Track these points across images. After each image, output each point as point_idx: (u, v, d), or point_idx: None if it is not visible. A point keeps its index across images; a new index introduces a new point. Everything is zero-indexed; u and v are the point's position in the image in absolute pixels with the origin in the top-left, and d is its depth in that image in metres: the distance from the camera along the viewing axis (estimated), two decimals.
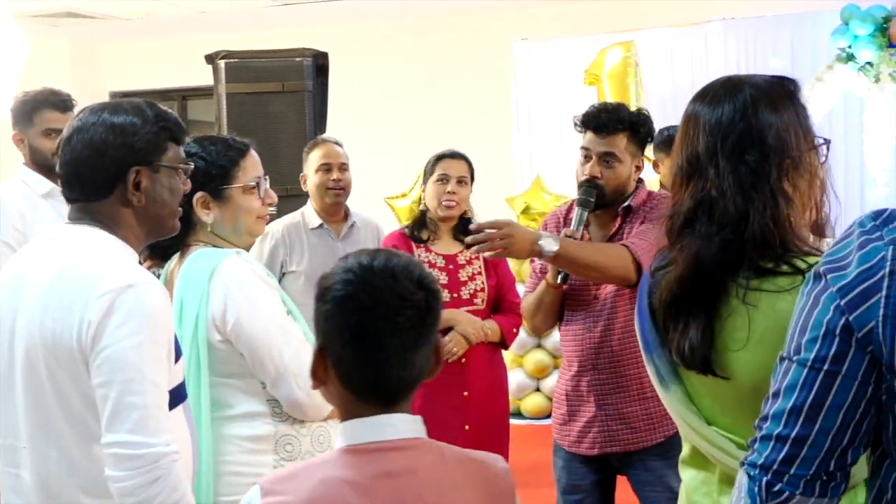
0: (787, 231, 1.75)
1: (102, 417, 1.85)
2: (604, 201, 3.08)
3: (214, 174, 2.48)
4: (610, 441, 3.09)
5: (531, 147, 7.81)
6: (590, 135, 3.11)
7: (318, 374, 1.57)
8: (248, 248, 2.63)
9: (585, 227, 3.09)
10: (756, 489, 1.30)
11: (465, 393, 3.81)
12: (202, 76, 4.53)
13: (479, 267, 3.87)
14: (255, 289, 2.41)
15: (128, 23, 8.56)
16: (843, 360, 1.25)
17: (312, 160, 4.21)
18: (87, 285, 1.88)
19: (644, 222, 3.04)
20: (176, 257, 2.55)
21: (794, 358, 1.30)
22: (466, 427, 3.81)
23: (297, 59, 4.37)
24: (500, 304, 3.92)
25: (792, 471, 1.28)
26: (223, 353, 2.39)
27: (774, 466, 1.29)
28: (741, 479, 1.35)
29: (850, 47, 6.80)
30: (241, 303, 2.36)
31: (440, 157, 3.90)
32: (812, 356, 1.27)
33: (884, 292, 1.22)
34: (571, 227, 3.03)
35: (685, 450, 1.94)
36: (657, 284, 1.88)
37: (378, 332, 1.51)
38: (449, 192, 3.80)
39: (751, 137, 1.78)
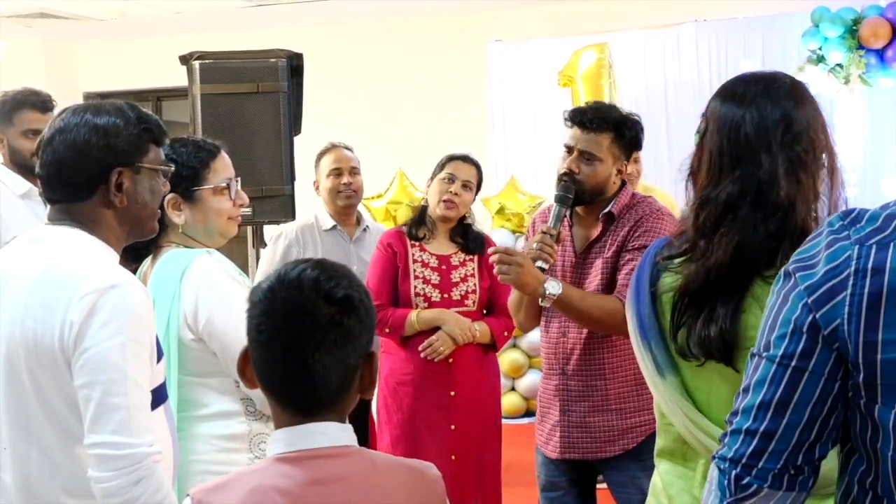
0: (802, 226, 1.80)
1: (85, 418, 1.84)
2: (581, 198, 3.06)
3: (185, 176, 2.47)
4: (570, 448, 3.10)
5: (506, 148, 7.82)
6: (575, 130, 3.10)
7: (246, 374, 1.60)
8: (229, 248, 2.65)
9: (569, 228, 3.11)
10: (725, 482, 1.32)
11: (452, 393, 3.81)
12: (177, 77, 4.51)
13: (473, 269, 3.87)
14: (226, 287, 2.42)
15: (102, 23, 8.52)
16: (811, 357, 1.26)
17: (324, 165, 4.25)
18: (69, 286, 1.87)
19: (633, 232, 3.03)
20: (149, 259, 2.55)
21: (764, 354, 1.31)
22: (452, 427, 3.81)
23: (272, 59, 4.35)
24: (494, 306, 3.91)
25: (760, 464, 1.29)
26: (196, 353, 2.39)
27: (743, 460, 1.30)
28: (712, 472, 1.36)
29: (820, 49, 6.85)
30: (212, 301, 2.37)
31: (452, 158, 3.90)
32: (780, 353, 1.28)
33: (849, 290, 1.23)
34: (549, 224, 3.01)
35: (664, 442, 1.95)
36: (664, 272, 1.89)
37: (278, 340, 1.53)
38: (451, 193, 3.80)
39: (801, 129, 1.82)
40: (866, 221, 1.26)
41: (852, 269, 1.23)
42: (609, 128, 3.08)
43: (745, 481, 1.30)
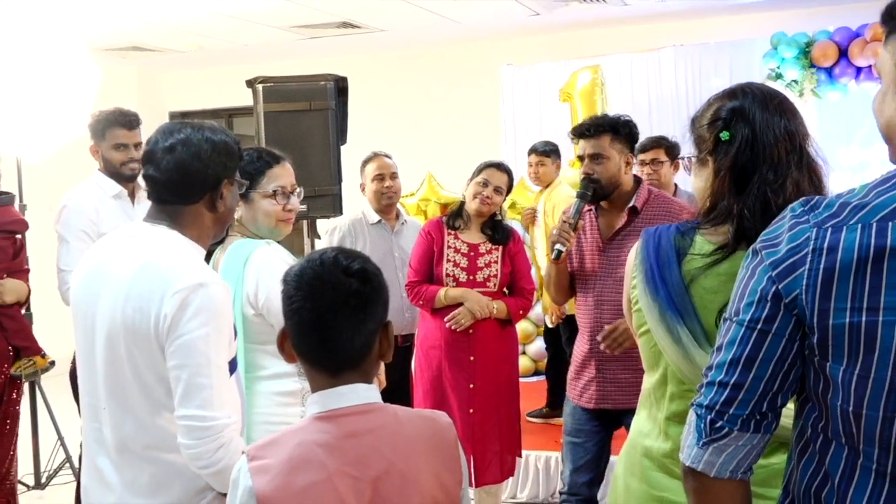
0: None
1: (175, 395, 1.86)
2: (602, 193, 3.13)
3: (243, 178, 2.50)
4: (604, 399, 3.14)
5: (516, 154, 7.77)
6: (581, 142, 3.16)
7: (285, 349, 1.61)
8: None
9: (596, 220, 3.19)
10: (702, 425, 1.31)
11: (472, 358, 3.83)
12: (244, 98, 4.51)
13: (497, 257, 3.88)
14: (281, 272, 2.42)
15: (183, 54, 8.56)
16: (774, 321, 1.25)
17: (368, 171, 4.29)
18: (165, 282, 1.88)
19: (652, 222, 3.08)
20: (219, 247, 2.58)
21: (734, 319, 1.30)
22: (471, 385, 3.83)
23: (322, 82, 4.36)
24: (514, 288, 3.93)
25: (731, 411, 1.28)
26: (256, 325, 2.43)
27: (717, 407, 1.29)
28: (691, 417, 1.35)
29: (778, 68, 6.80)
30: (270, 283, 2.37)
31: (488, 165, 3.92)
32: (748, 317, 1.27)
33: (807, 266, 1.22)
34: (569, 214, 3.09)
35: (678, 407, 1.86)
36: (689, 256, 1.82)
37: (306, 310, 1.54)
38: (486, 197, 3.83)
39: (804, 134, 1.84)
40: (823, 208, 1.25)
41: (810, 247, 1.22)
42: (605, 130, 3.14)
43: (717, 425, 1.29)
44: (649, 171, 4.49)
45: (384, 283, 1.59)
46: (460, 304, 3.77)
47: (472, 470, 3.83)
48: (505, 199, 3.99)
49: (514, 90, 8.14)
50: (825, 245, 1.21)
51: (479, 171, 3.88)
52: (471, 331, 3.79)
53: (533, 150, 5.58)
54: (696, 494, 1.36)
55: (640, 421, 1.99)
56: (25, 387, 4.24)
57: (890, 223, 1.18)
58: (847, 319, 1.19)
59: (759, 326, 1.26)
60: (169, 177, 1.96)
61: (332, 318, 1.53)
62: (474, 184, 3.85)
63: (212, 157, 1.97)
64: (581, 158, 3.17)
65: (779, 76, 6.81)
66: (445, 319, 3.78)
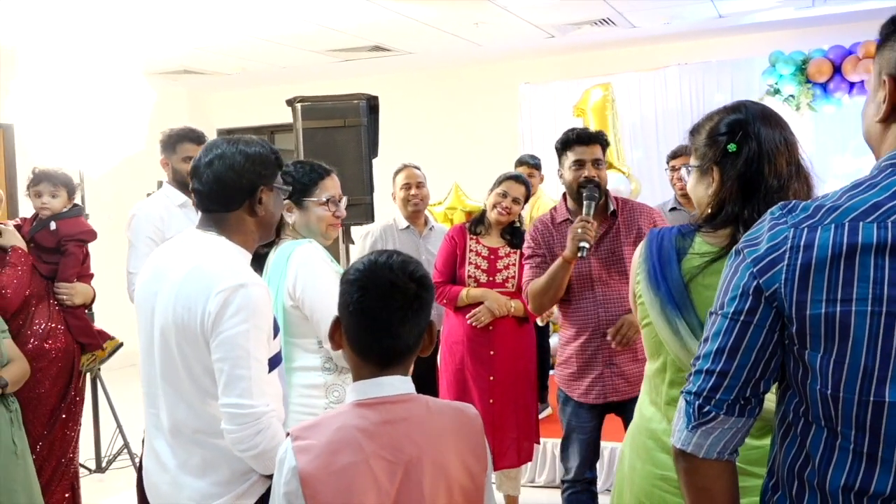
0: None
1: (219, 384, 1.89)
2: (601, 196, 3.09)
3: (298, 188, 2.56)
4: (614, 392, 3.11)
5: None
6: (579, 148, 3.13)
7: (335, 338, 1.61)
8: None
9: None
10: (691, 411, 1.31)
11: (492, 352, 3.83)
12: (284, 115, 4.55)
13: (515, 260, 3.89)
14: (318, 266, 2.48)
15: (229, 76, 8.64)
16: (755, 313, 1.26)
17: (398, 181, 4.31)
18: (209, 283, 1.91)
19: (633, 226, 3.12)
20: (273, 249, 2.63)
21: (720, 312, 1.30)
22: (491, 378, 3.83)
23: (355, 101, 4.38)
24: None
25: (718, 396, 1.29)
26: (293, 317, 2.45)
27: (704, 393, 1.30)
28: (680, 404, 1.35)
29: (776, 84, 6.75)
30: (308, 275, 2.43)
31: (508, 178, 3.93)
32: (732, 310, 1.28)
33: (785, 262, 1.22)
34: (585, 212, 3.00)
35: (676, 392, 1.86)
36: (689, 255, 1.84)
37: (372, 308, 1.55)
38: (504, 207, 3.85)
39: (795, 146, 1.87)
40: (800, 210, 1.25)
41: (788, 245, 1.22)
42: (597, 140, 3.16)
43: (705, 409, 1.30)
44: (679, 177, 4.40)
45: (433, 286, 1.64)
46: (481, 303, 3.79)
47: (492, 455, 3.83)
48: (522, 208, 3.99)
49: (531, 107, 8.14)
50: (802, 243, 1.21)
51: (499, 182, 3.89)
52: (491, 327, 3.80)
53: (524, 163, 5.56)
54: (686, 474, 1.36)
55: (643, 405, 1.99)
56: (87, 379, 4.29)
57: (861, 223, 1.18)
58: (823, 310, 1.20)
59: (741, 318, 1.26)
60: (210, 188, 2.01)
61: (395, 318, 1.55)
62: (494, 194, 3.87)
63: (245, 166, 2.00)
64: (580, 163, 3.11)
65: (777, 91, 6.76)
66: (467, 317, 3.79)
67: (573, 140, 3.16)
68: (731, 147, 1.82)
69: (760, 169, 1.80)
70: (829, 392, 1.21)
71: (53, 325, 3.66)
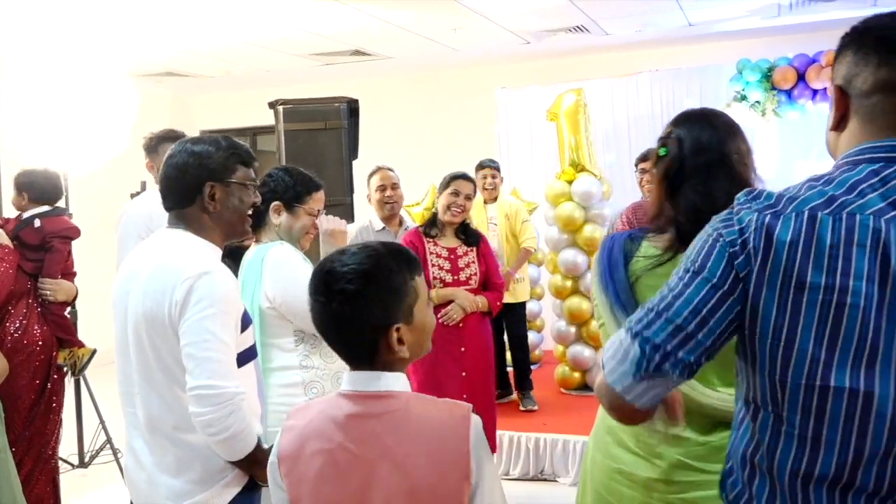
0: None
1: (188, 369, 1.86)
2: None
3: (294, 193, 2.58)
4: None
5: (509, 167, 7.78)
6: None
7: None
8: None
9: None
10: (644, 363, 1.25)
11: (462, 348, 3.84)
12: (267, 118, 4.52)
13: (473, 257, 3.93)
14: (292, 264, 2.48)
15: (212, 79, 8.57)
16: (734, 290, 1.24)
17: (373, 183, 4.31)
18: (174, 274, 1.90)
19: None
20: (249, 251, 2.62)
21: (699, 273, 1.26)
22: (463, 374, 3.84)
23: (336, 104, 4.36)
24: (488, 284, 3.95)
25: (680, 355, 1.24)
26: (270, 318, 2.44)
27: (668, 349, 1.24)
28: (629, 345, 1.28)
29: (743, 90, 6.80)
30: (284, 275, 2.43)
31: (455, 177, 3.95)
32: (714, 278, 1.24)
33: (751, 245, 1.22)
34: None
35: None
36: (635, 258, 1.86)
37: (314, 311, 1.51)
38: (458, 206, 3.86)
39: (734, 147, 1.82)
40: (764, 198, 1.26)
41: (752, 229, 1.23)
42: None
43: (663, 367, 1.25)
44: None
45: (374, 294, 1.46)
46: (450, 302, 3.79)
47: None
48: (472, 206, 4.02)
49: (507, 110, 8.14)
50: (764, 230, 1.22)
51: (448, 183, 3.91)
52: (461, 324, 3.82)
53: (488, 166, 5.60)
54: (613, 410, 1.33)
55: None
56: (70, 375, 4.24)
57: (819, 213, 1.19)
58: (776, 295, 1.20)
59: (723, 288, 1.24)
60: (162, 187, 2.04)
61: (330, 327, 1.50)
62: (446, 196, 3.88)
63: (190, 163, 1.99)
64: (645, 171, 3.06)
65: (743, 98, 6.81)
66: (440, 316, 3.78)
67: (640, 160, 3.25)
68: (662, 151, 1.86)
69: (682, 170, 1.81)
70: (777, 376, 1.21)
71: (32, 321, 3.62)
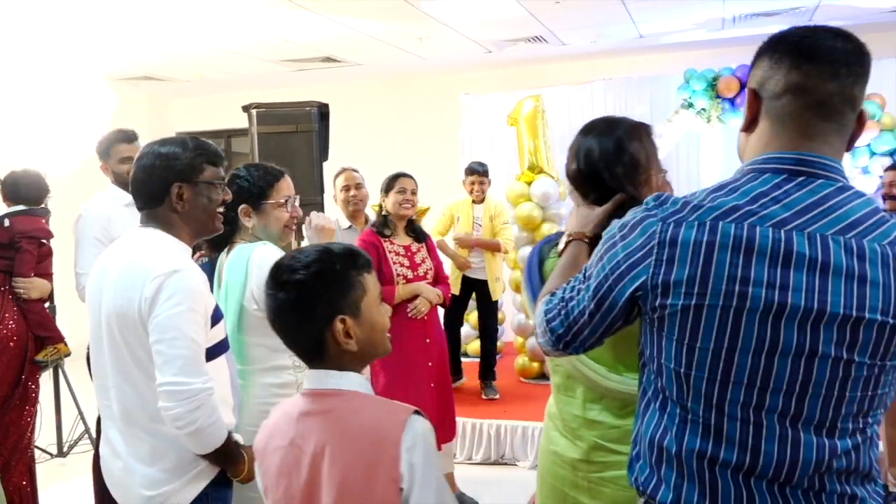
0: None
1: (156, 365, 1.83)
2: None
3: (254, 192, 2.43)
4: None
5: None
6: None
7: None
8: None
9: None
10: (555, 340, 1.39)
11: (427, 340, 3.84)
12: (241, 121, 4.47)
13: (426, 254, 3.94)
14: None
15: (188, 83, 8.45)
16: (621, 298, 1.28)
17: (338, 183, 4.27)
18: (144, 272, 1.86)
19: None
20: (224, 252, 2.51)
21: (599, 274, 1.31)
22: (430, 364, 3.83)
23: (307, 108, 4.33)
24: (438, 278, 3.97)
25: (581, 337, 1.35)
26: (257, 319, 2.33)
27: (573, 331, 1.35)
28: (544, 327, 1.40)
29: (690, 98, 6.87)
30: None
31: (397, 176, 3.95)
32: (606, 284, 1.29)
33: (654, 256, 1.23)
34: None
35: (556, 380, 1.94)
36: (547, 259, 1.88)
37: (267, 309, 1.50)
38: (406, 200, 3.87)
39: (624, 157, 1.77)
40: (670, 204, 1.25)
41: (656, 240, 1.23)
42: None
43: (572, 347, 1.38)
44: None
45: (325, 285, 1.44)
46: (414, 297, 3.79)
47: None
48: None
49: (470, 115, 8.14)
50: (668, 238, 1.22)
51: (392, 183, 3.91)
52: (425, 318, 3.82)
53: (474, 171, 5.64)
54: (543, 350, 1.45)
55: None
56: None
57: (720, 222, 1.19)
58: (681, 301, 1.21)
59: (611, 295, 1.28)
60: (133, 188, 2.00)
61: (279, 319, 1.49)
62: (394, 194, 3.88)
63: (156, 165, 1.95)
64: None
65: (690, 105, 6.88)
66: (408, 310, 3.78)
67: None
68: (570, 159, 1.88)
69: (589, 177, 1.80)
70: (682, 370, 1.23)
71: (6, 315, 3.54)
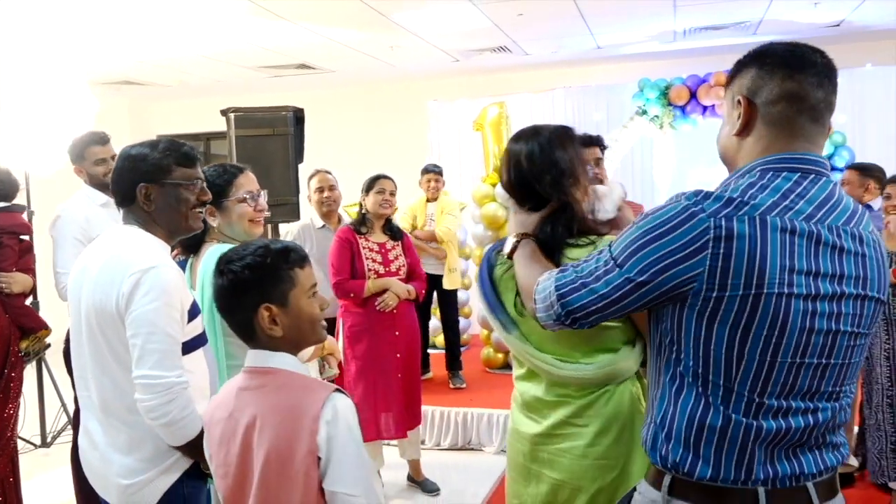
0: (579, 221, 1.79)
1: (133, 359, 1.80)
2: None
3: (214, 191, 2.33)
4: None
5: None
6: (595, 149, 2.97)
7: None
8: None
9: None
10: (563, 314, 1.38)
11: (396, 332, 3.82)
12: (219, 124, 4.41)
13: (400, 252, 3.93)
14: None
15: (169, 87, 8.33)
16: (656, 287, 1.28)
17: (312, 184, 4.24)
18: (122, 268, 1.83)
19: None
20: (195, 254, 2.46)
21: (620, 265, 1.30)
22: (398, 355, 3.82)
23: (283, 112, 4.29)
24: (412, 275, 3.95)
25: (588, 320, 1.37)
26: None
27: (584, 312, 1.35)
28: (553, 299, 1.38)
29: (644, 106, 6.93)
30: None
31: (377, 178, 3.93)
32: (635, 278, 1.28)
33: (710, 251, 1.24)
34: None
35: (521, 371, 1.95)
36: (496, 265, 1.86)
37: (213, 289, 1.58)
38: (385, 200, 3.85)
39: (550, 168, 1.77)
40: (713, 200, 1.25)
41: (711, 235, 1.22)
42: (597, 143, 3.00)
43: (580, 323, 1.38)
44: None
45: (254, 277, 1.51)
46: (384, 291, 3.78)
47: (396, 424, 3.82)
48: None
49: (438, 121, 8.13)
50: (723, 234, 1.22)
51: (372, 184, 3.90)
52: (394, 311, 3.80)
53: (432, 171, 5.64)
54: (535, 319, 1.46)
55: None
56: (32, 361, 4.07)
57: (767, 217, 1.22)
58: (740, 292, 1.22)
59: (654, 281, 1.26)
60: (110, 188, 1.99)
61: (219, 303, 1.57)
62: (374, 194, 3.88)
63: (125, 166, 1.92)
64: (598, 161, 2.96)
65: (644, 112, 6.94)
66: (377, 303, 3.77)
67: (583, 143, 3.02)
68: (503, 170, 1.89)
69: (520, 185, 1.81)
70: (734, 354, 1.24)
71: None
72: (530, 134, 1.83)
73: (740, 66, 1.36)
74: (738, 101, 1.33)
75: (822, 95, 1.29)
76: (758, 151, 1.32)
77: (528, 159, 1.78)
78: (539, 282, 1.44)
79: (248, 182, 2.44)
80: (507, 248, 1.74)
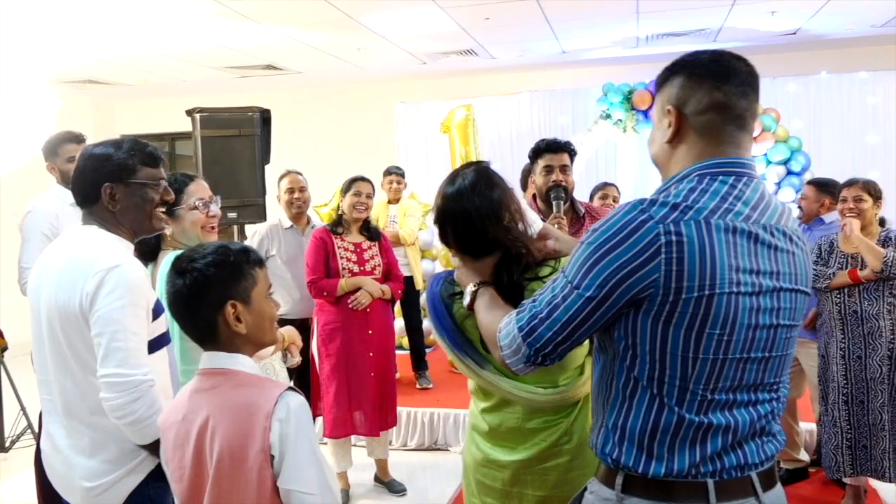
0: (528, 254, 1.77)
1: (98, 357, 1.76)
2: (567, 197, 2.91)
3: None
4: None
5: (408, 172, 7.75)
6: (548, 155, 2.91)
7: None
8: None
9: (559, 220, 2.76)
10: (531, 354, 1.35)
11: (370, 331, 3.81)
12: (184, 124, 4.35)
13: (376, 251, 3.92)
14: None
15: (133, 87, 8.19)
16: (610, 298, 1.27)
17: (282, 185, 4.19)
18: (86, 267, 1.79)
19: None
20: (153, 262, 2.43)
21: (575, 287, 1.29)
22: (371, 354, 3.81)
23: (249, 113, 4.25)
24: (389, 275, 3.94)
25: (560, 350, 1.35)
26: None
27: (545, 351, 1.34)
28: (518, 342, 1.35)
29: (608, 109, 7.00)
30: None
31: (355, 180, 3.93)
32: (589, 294, 1.27)
33: (663, 256, 1.25)
34: (555, 212, 2.81)
35: (488, 403, 1.92)
36: (454, 303, 1.82)
37: (167, 291, 1.55)
38: (360, 203, 3.86)
39: (491, 213, 1.75)
40: (658, 207, 1.26)
41: (662, 241, 1.23)
42: (565, 149, 2.94)
43: (550, 359, 1.36)
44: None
45: (219, 273, 1.50)
46: (357, 290, 3.76)
47: (369, 423, 3.80)
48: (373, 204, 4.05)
49: (406, 122, 8.13)
50: (673, 238, 1.23)
51: (350, 186, 3.90)
52: (368, 310, 3.79)
53: (394, 172, 5.64)
54: (507, 367, 1.41)
55: (472, 406, 2.03)
56: None
57: (711, 220, 1.25)
58: (695, 294, 1.24)
59: (596, 301, 1.27)
60: (72, 187, 1.94)
61: (178, 304, 1.53)
62: (350, 196, 3.88)
63: (87, 166, 1.89)
64: (548, 169, 2.90)
65: (608, 116, 7.01)
66: (350, 301, 3.76)
67: (543, 149, 2.95)
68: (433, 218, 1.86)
69: (459, 251, 1.78)
70: (690, 354, 1.26)
71: None
72: (455, 196, 1.76)
73: (669, 74, 1.41)
74: (668, 111, 1.38)
75: (746, 104, 1.34)
76: (691, 158, 1.35)
77: (464, 219, 1.74)
78: (500, 328, 1.41)
79: (199, 189, 2.44)
80: (466, 300, 1.70)
